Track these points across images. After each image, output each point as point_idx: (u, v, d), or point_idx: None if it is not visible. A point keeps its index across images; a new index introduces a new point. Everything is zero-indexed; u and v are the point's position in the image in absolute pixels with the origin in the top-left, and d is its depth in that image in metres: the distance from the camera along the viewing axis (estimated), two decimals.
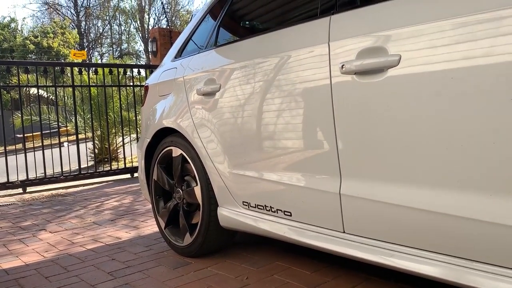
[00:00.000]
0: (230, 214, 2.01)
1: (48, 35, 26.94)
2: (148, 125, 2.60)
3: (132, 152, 8.19)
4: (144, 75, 6.82)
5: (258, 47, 1.86)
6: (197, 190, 2.19)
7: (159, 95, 2.52)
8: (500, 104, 1.06)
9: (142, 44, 35.72)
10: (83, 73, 6.04)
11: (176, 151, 2.32)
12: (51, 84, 6.16)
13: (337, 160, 1.48)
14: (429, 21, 1.21)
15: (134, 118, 7.04)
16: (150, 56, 7.63)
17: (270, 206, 1.79)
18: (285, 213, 1.72)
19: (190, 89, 2.21)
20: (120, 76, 6.88)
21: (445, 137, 1.18)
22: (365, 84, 1.37)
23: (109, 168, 6.63)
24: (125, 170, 6.70)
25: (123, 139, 6.97)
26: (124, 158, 6.81)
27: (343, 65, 1.42)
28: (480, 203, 1.12)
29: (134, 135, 8.15)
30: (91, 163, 8.99)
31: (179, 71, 2.36)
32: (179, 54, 2.54)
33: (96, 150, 9.43)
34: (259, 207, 1.85)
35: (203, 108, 2.11)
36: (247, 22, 2.20)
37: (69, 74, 6.04)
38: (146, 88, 2.69)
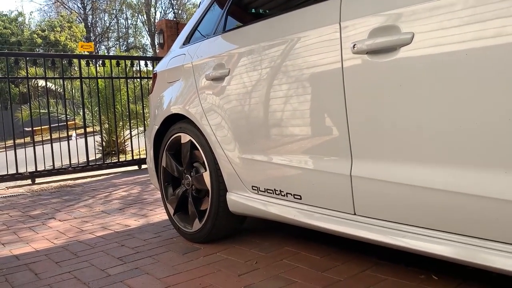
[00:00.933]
0: (240, 199, 2.00)
1: (55, 29, 27.04)
2: (157, 112, 2.59)
3: (140, 144, 8.23)
4: (151, 68, 6.83)
5: (266, 31, 1.85)
6: (206, 176, 2.19)
7: (167, 81, 2.52)
8: None
9: (149, 38, 35.77)
10: (90, 65, 6.06)
11: (185, 138, 2.32)
12: (58, 76, 6.17)
13: (348, 142, 1.47)
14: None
15: (141, 111, 7.06)
16: (156, 48, 7.63)
17: (280, 190, 1.78)
18: (295, 196, 1.72)
19: (199, 74, 2.21)
20: (127, 69, 6.89)
21: (460, 116, 1.17)
22: (377, 64, 1.36)
23: (116, 160, 6.66)
24: (132, 162, 6.73)
25: (130, 131, 6.99)
26: (132, 150, 6.83)
27: (354, 45, 1.41)
28: (495, 181, 1.11)
29: (141, 128, 8.18)
30: (98, 155, 9.05)
31: (187, 57, 2.36)
32: (187, 41, 2.53)
33: (103, 143, 9.49)
34: (268, 191, 1.85)
35: (212, 94, 2.10)
36: (255, 7, 2.18)
37: (76, 68, 6.04)
38: (155, 75, 2.68)
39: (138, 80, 6.71)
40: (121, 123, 9.30)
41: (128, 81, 6.79)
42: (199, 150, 2.24)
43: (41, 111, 8.59)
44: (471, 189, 1.16)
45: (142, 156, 7.62)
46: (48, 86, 7.37)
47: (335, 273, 1.74)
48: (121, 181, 5.55)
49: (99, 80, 6.73)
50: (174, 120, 2.44)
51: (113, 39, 36.10)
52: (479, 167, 1.14)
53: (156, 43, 7.15)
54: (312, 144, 1.61)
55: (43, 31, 27.48)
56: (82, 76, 6.16)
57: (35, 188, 5.40)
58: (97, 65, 6.26)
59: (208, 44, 2.26)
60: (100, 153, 9.61)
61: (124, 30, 36.07)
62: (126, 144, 9.78)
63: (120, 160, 6.60)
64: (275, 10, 2.03)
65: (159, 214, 3.20)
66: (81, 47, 7.19)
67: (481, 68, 1.11)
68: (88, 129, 6.25)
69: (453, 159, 1.20)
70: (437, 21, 1.21)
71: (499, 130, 1.09)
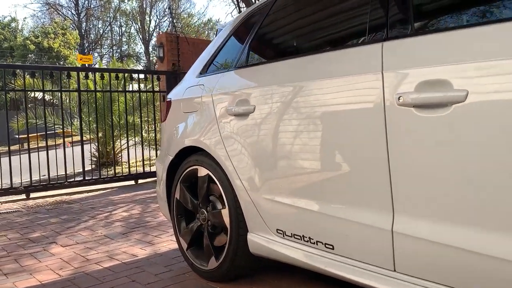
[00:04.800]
0: (262, 242, 1.93)
1: (48, 36, 26.78)
2: (171, 142, 2.52)
3: (136, 155, 8.11)
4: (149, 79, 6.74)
5: (298, 70, 1.79)
6: (225, 213, 2.12)
7: (183, 111, 2.45)
8: None
9: (143, 46, 35.61)
10: (89, 78, 5.96)
11: (202, 171, 2.24)
12: (57, 89, 6.06)
13: (390, 195, 1.41)
14: (501, 58, 1.14)
15: (138, 121, 6.95)
16: (155, 61, 7.56)
17: (309, 237, 1.71)
18: (327, 245, 1.65)
19: (220, 108, 2.14)
20: (125, 81, 6.80)
21: None
22: (425, 118, 1.31)
23: (112, 172, 6.54)
24: (130, 177, 6.62)
25: (127, 142, 6.86)
26: (129, 163, 6.70)
27: (399, 97, 1.36)
28: None
29: (137, 138, 8.09)
30: (91, 166, 8.92)
31: (206, 89, 2.29)
32: (205, 70, 2.46)
33: (97, 154, 9.37)
34: (296, 236, 1.78)
35: (235, 130, 2.04)
36: (283, 42, 2.13)
37: (72, 79, 5.94)
38: (169, 103, 2.61)
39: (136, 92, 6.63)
40: (116, 132, 9.19)
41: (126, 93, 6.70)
42: (217, 185, 2.17)
43: (33, 121, 8.47)
44: None
45: (139, 169, 7.51)
46: (44, 96, 7.24)
47: None
48: (119, 198, 5.43)
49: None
50: (189, 151, 2.37)
51: (106, 46, 35.90)
52: None
53: (156, 56, 7.06)
54: (349, 194, 1.55)
55: (37, 37, 27.19)
56: (81, 89, 6.07)
57: (30, 204, 5.26)
58: (96, 77, 6.16)
59: (229, 77, 2.20)
60: (94, 164, 9.51)
61: (118, 38, 35.90)
62: (120, 155, 9.66)
63: (117, 174, 6.47)
64: (306, 46, 1.97)
65: (166, 242, 3.10)
66: (80, 59, 7.10)
67: None
68: (77, 138, 6.12)
69: (505, 224, 1.15)
70: (494, 80, 1.16)
71: None
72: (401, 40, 1.44)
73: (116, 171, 6.65)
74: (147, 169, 7.42)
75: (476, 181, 1.20)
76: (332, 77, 1.61)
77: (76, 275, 2.52)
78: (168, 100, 2.63)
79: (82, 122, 8.47)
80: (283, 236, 1.84)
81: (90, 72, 6.23)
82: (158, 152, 6.77)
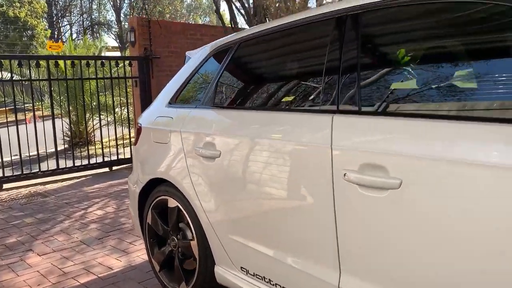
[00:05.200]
0: (228, 276, 2.11)
1: (14, 4, 25.50)
2: (142, 168, 2.62)
3: (108, 133, 8.13)
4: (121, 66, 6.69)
5: (261, 126, 1.91)
6: (194, 244, 2.27)
7: (153, 141, 2.54)
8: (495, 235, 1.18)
9: (114, 14, 34.34)
10: (59, 66, 5.89)
11: (172, 202, 2.38)
12: (27, 79, 5.97)
13: (337, 256, 1.58)
14: (432, 158, 1.29)
15: (110, 102, 6.92)
16: (128, 46, 7.46)
17: (269, 279, 1.89)
18: None
19: (188, 147, 2.25)
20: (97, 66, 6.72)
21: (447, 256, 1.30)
22: (367, 197, 1.46)
23: (85, 154, 6.56)
24: (104, 164, 6.67)
25: (100, 122, 6.85)
26: (103, 151, 6.74)
27: (345, 174, 1.51)
28: None
29: (110, 118, 8.09)
30: (61, 146, 8.88)
31: (175, 123, 2.38)
32: (174, 100, 2.54)
33: (70, 133, 9.32)
34: (257, 276, 1.95)
35: (202, 170, 2.16)
36: (247, 91, 2.22)
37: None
38: (139, 129, 2.69)
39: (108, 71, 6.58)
40: (88, 113, 9.14)
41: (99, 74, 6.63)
42: (186, 216, 2.31)
43: (4, 98, 8.33)
44: None
45: (112, 150, 7.55)
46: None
47: None
48: (93, 190, 5.52)
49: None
50: (160, 180, 2.49)
51: (76, 14, 34.45)
52: None
53: (129, 41, 6.98)
54: (303, 249, 1.72)
55: (1, 6, 25.85)
56: (52, 75, 6.00)
57: (3, 196, 5.30)
58: (66, 65, 6.08)
59: (197, 116, 2.30)
60: (68, 143, 9.47)
61: (88, 5, 34.42)
62: (92, 135, 9.63)
63: (91, 161, 6.51)
64: (264, 102, 2.07)
65: (140, 252, 3.26)
66: (50, 47, 6.91)
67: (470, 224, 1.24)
68: (54, 120, 6.04)
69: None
70: (428, 174, 1.32)
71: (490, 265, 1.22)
72: (349, 116, 1.57)
73: (90, 152, 6.69)
74: (120, 151, 7.48)
75: (408, 259, 1.38)
76: (290, 140, 1.73)
77: None
78: (138, 125, 2.71)
79: (55, 103, 8.40)
80: (247, 274, 2.01)
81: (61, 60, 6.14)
82: (131, 130, 6.83)
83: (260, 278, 1.94)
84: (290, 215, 1.75)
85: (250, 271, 1.99)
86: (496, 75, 1.33)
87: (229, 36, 2.40)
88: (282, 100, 1.95)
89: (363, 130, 1.51)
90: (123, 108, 8.16)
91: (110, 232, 3.77)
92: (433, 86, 1.44)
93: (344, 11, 1.71)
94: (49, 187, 5.81)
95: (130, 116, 7.03)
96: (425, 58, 1.53)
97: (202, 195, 2.16)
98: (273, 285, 1.88)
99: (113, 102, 7.05)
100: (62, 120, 7.07)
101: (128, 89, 7.01)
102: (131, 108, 7.16)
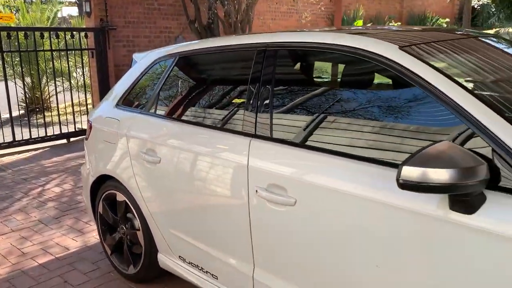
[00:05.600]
0: (168, 263, 2.45)
1: None
2: (94, 162, 2.88)
3: (65, 99, 8.14)
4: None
5: (195, 139, 2.20)
6: (140, 234, 2.59)
7: (103, 139, 2.78)
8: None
9: None
10: (12, 38, 5.84)
11: (120, 196, 2.67)
12: None
13: (251, 253, 1.95)
14: (315, 185, 1.65)
15: (67, 70, 6.91)
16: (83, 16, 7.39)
17: (202, 267, 2.25)
18: (213, 275, 2.20)
19: (133, 151, 2.51)
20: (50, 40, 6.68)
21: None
22: (272, 209, 1.81)
23: (41, 121, 6.60)
24: (61, 136, 6.77)
25: (55, 88, 6.88)
26: (59, 118, 6.82)
27: (257, 190, 1.84)
28: None
29: (66, 84, 8.10)
30: (17, 112, 8.82)
31: (122, 126, 2.62)
32: (121, 101, 2.77)
33: (25, 98, 9.23)
34: (192, 264, 2.31)
35: (145, 171, 2.44)
36: (184, 104, 2.48)
37: None
38: (90, 126, 2.91)
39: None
40: (44, 80, 9.05)
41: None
42: (132, 210, 2.61)
43: None
44: None
45: (70, 120, 7.62)
46: None
47: None
48: (51, 163, 5.68)
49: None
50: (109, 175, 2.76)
51: None
52: None
53: (83, 11, 6.92)
54: (225, 243, 2.08)
55: None
56: (3, 50, 5.96)
57: None
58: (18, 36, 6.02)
59: (141, 122, 2.55)
60: (23, 109, 9.38)
61: None
62: (50, 100, 9.58)
63: (48, 134, 6.60)
64: (197, 116, 2.34)
65: (94, 232, 3.53)
66: (1, 18, 6.71)
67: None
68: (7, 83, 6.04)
69: None
70: (316, 194, 1.67)
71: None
72: (262, 141, 1.89)
73: (47, 120, 6.76)
74: (78, 119, 7.55)
75: (301, 258, 1.76)
76: (219, 156, 2.04)
77: (14, 273, 2.94)
78: (90, 122, 2.93)
79: (6, 65, 8.27)
80: (184, 262, 2.37)
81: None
82: (87, 96, 6.87)
83: (195, 266, 2.30)
84: (216, 218, 2.09)
85: (187, 260, 2.34)
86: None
87: (171, 47, 2.62)
88: (213, 117, 2.23)
89: (271, 155, 1.84)
90: (80, 75, 8.17)
91: (67, 211, 4.02)
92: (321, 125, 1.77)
93: (264, 44, 1.99)
94: (6, 160, 5.92)
95: (86, 81, 7.07)
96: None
97: (146, 195, 2.46)
98: (205, 272, 2.24)
99: (69, 72, 7.07)
100: (15, 84, 7.01)
101: (85, 59, 7.01)
102: (87, 75, 7.20)
